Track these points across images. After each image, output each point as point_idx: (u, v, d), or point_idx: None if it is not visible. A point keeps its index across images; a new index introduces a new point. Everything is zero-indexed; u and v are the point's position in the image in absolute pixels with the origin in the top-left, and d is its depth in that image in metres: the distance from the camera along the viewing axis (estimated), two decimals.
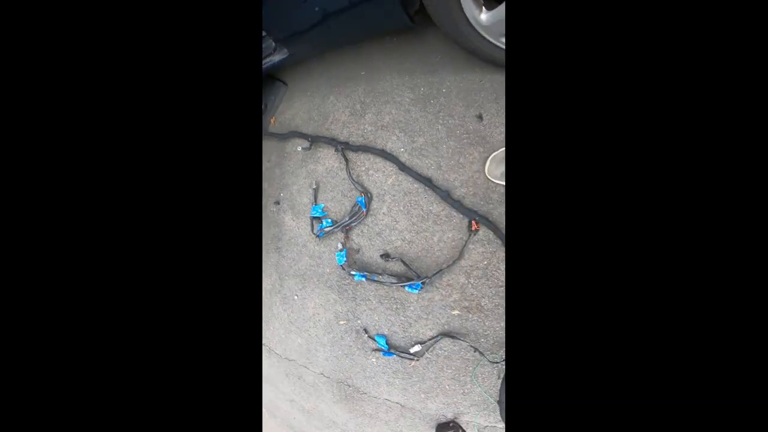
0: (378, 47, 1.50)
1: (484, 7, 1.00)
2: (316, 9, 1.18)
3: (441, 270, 1.21)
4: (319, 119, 1.56)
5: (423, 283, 1.22)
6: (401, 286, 1.26)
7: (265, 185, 1.71)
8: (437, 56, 1.36)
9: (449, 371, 1.37)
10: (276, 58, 1.53)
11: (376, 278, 1.30)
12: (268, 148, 1.75)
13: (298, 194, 1.52)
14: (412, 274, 1.24)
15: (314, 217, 1.43)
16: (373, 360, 1.47)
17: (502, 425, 1.36)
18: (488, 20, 1.01)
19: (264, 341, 1.87)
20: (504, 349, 1.25)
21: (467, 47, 1.13)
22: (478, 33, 1.05)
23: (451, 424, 1.46)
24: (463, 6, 0.99)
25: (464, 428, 1.46)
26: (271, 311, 1.76)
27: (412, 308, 1.32)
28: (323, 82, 1.65)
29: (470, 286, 1.22)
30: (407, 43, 1.44)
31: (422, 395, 1.45)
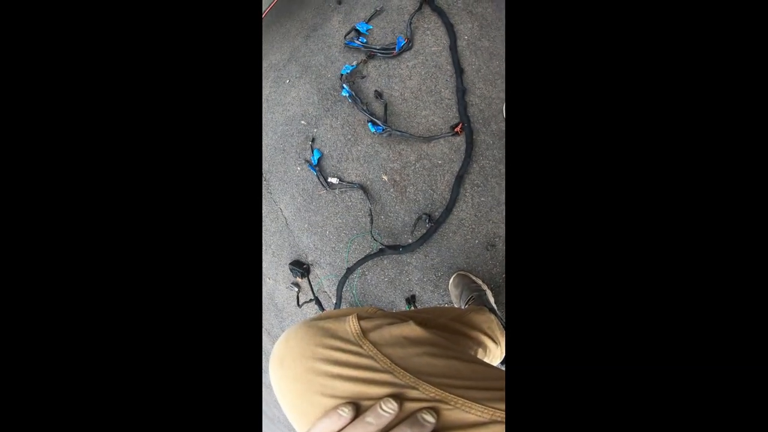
0: None
1: None
2: None
3: (405, 135, 1.27)
4: None
5: (384, 129, 1.27)
6: (369, 119, 1.31)
7: None
8: None
9: (338, 221, 1.45)
10: None
11: (358, 101, 1.35)
12: None
13: (362, 7, 1.53)
14: (383, 119, 1.30)
15: (356, 29, 1.45)
16: (298, 168, 1.55)
17: (335, 300, 1.47)
18: None
19: None
20: (386, 239, 1.33)
21: None
22: None
23: (304, 266, 1.57)
24: None
25: (310, 277, 1.57)
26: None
27: (360, 147, 1.39)
28: None
29: (412, 168, 1.28)
30: None
31: (306, 225, 1.54)
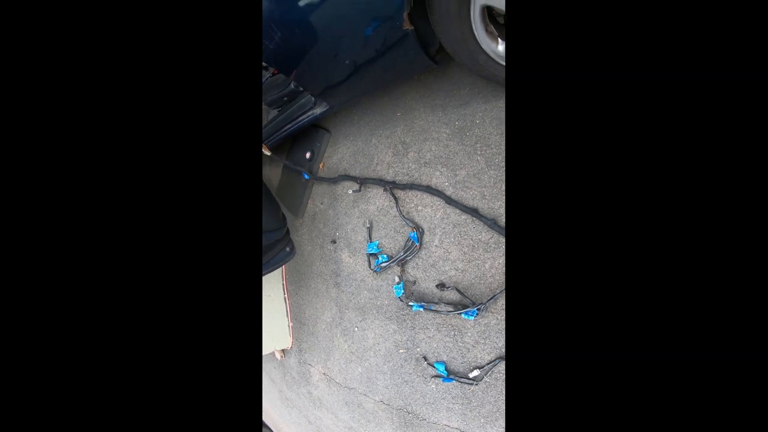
0: (409, 87, 1.62)
1: (499, 39, 1.06)
2: (347, 62, 1.32)
3: (495, 296, 1.28)
4: (365, 161, 1.70)
5: (478, 309, 1.29)
6: (458, 313, 1.33)
7: (320, 226, 1.85)
8: (465, 89, 1.45)
9: None
10: (317, 111, 1.68)
11: (433, 308, 1.38)
12: (320, 191, 1.90)
13: (353, 233, 1.64)
14: (468, 302, 1.31)
15: (370, 254, 1.54)
16: (433, 386, 1.53)
17: None
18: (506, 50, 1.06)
19: (324, 371, 1.96)
20: None
21: (490, 77, 1.20)
22: (499, 63, 1.10)
23: None
24: (480, 41, 1.06)
25: None
26: (332, 342, 1.87)
27: (469, 334, 1.38)
28: (363, 125, 1.79)
29: None
30: (435, 80, 1.55)
31: (482, 420, 1.48)
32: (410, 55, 1.24)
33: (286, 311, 2.10)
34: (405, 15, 1.10)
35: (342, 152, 1.83)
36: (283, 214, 1.49)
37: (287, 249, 1.52)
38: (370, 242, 1.54)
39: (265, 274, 1.53)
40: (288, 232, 1.55)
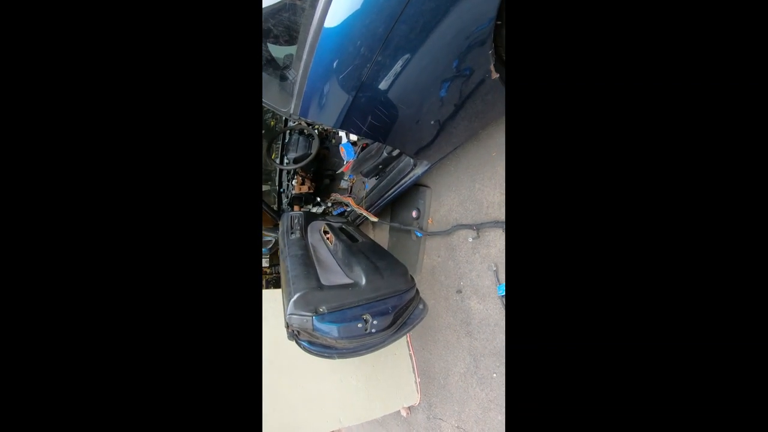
0: (495, 129, 1.65)
1: None
2: (432, 122, 1.41)
3: None
4: (474, 207, 1.72)
5: None
6: None
7: (441, 278, 1.88)
8: None
9: None
10: (419, 171, 1.77)
11: None
12: (434, 245, 1.95)
13: (479, 279, 1.64)
14: None
15: (503, 296, 1.51)
16: None
17: None
18: None
19: (458, 424, 1.87)
20: None
21: None
22: None
23: None
24: None
25: None
26: (466, 393, 1.79)
27: None
28: (461, 173, 1.83)
29: None
30: None
31: None
32: (490, 99, 1.33)
33: (413, 367, 2.10)
34: (491, 67, 1.19)
35: (448, 204, 1.88)
36: (411, 276, 1.55)
37: (420, 306, 1.56)
38: (500, 284, 1.52)
39: (403, 334, 1.57)
40: (418, 291, 1.60)
